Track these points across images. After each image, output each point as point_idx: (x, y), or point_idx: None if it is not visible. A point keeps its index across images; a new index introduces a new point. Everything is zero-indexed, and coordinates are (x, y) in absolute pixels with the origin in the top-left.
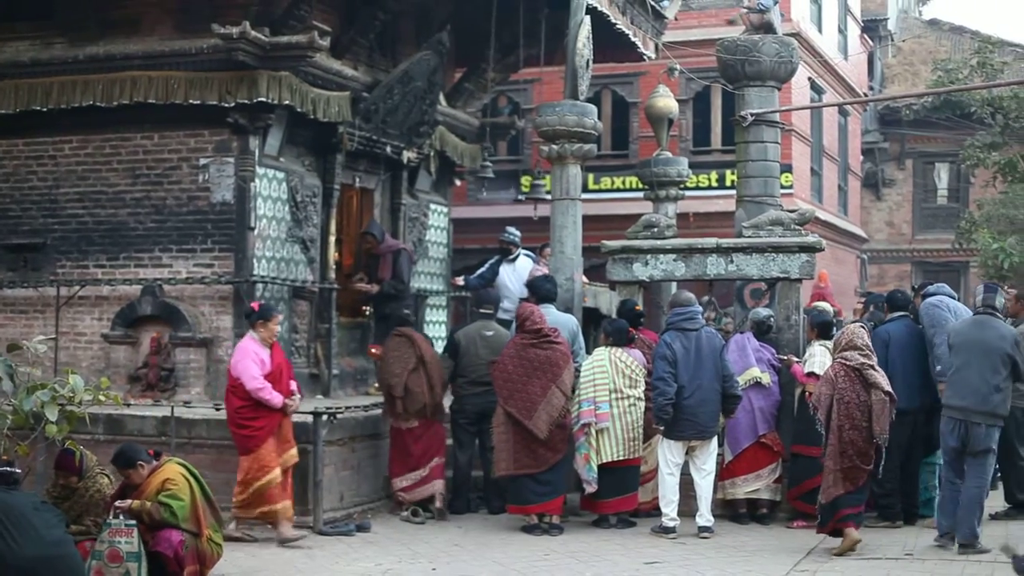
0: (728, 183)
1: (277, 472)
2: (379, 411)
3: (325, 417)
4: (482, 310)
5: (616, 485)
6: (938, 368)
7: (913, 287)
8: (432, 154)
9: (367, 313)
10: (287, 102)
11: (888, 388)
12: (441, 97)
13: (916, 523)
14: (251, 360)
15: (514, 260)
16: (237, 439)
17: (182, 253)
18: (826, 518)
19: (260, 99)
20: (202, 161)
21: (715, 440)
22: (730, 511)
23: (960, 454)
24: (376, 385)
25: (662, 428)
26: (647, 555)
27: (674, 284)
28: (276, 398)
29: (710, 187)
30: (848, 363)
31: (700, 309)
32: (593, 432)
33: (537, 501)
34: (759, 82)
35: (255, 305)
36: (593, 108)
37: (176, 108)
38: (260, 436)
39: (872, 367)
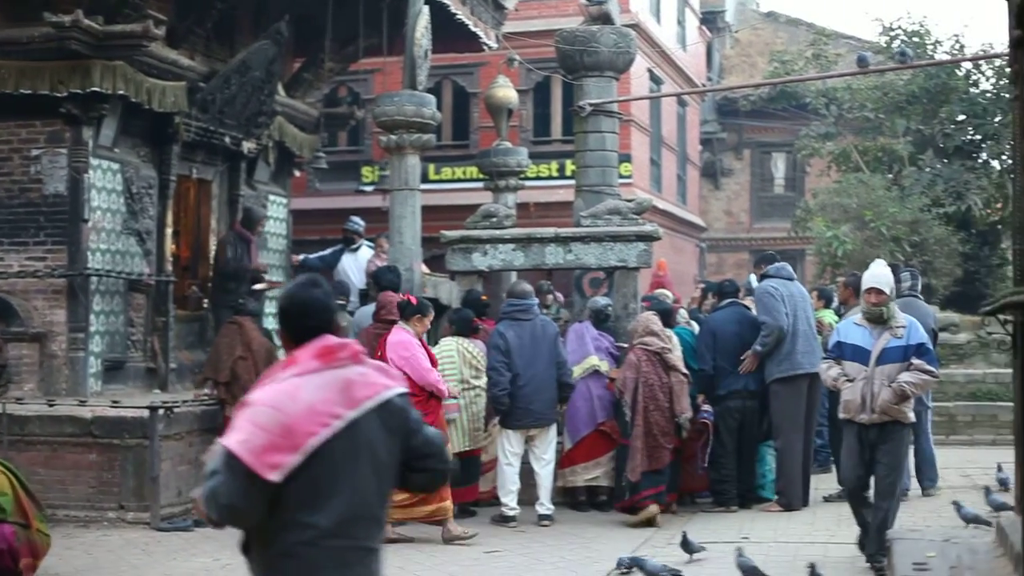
0: (568, 173)
1: None
2: (217, 405)
3: (162, 412)
4: (336, 301)
5: (465, 474)
6: (758, 348)
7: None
8: (271, 145)
9: (205, 306)
10: (121, 92)
11: (685, 370)
12: (280, 87)
13: (752, 507)
14: (420, 352)
15: (356, 250)
16: None
17: (14, 246)
18: (629, 495)
19: (94, 89)
20: (34, 152)
21: (554, 429)
22: (570, 499)
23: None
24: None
25: (497, 418)
26: (487, 544)
27: (514, 274)
28: (446, 389)
29: (550, 177)
30: (649, 348)
31: (535, 301)
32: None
33: None
34: (597, 72)
35: (412, 299)
36: (432, 98)
37: (7, 98)
38: None
39: (670, 350)
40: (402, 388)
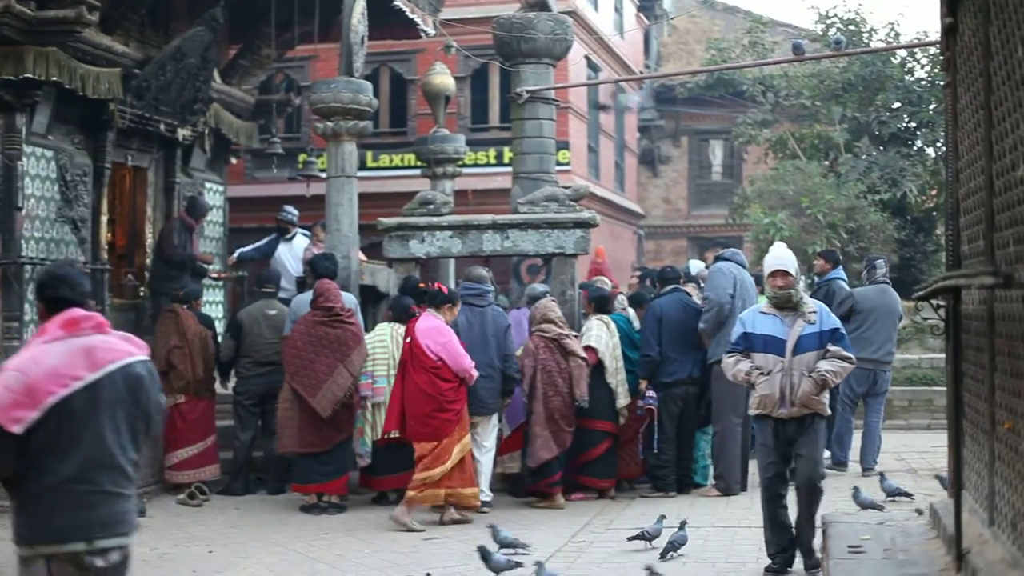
0: (506, 160)
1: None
2: None
3: None
4: (264, 289)
5: (394, 462)
6: (702, 326)
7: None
8: (207, 132)
9: (141, 294)
10: (55, 78)
11: (584, 354)
12: (215, 74)
13: (690, 492)
14: (455, 339)
15: (291, 239)
16: (434, 424)
17: None
18: (534, 481)
19: (26, 75)
20: None
21: (495, 418)
22: (509, 485)
23: (859, 398)
24: None
25: None
26: (427, 531)
27: (452, 261)
28: (475, 375)
29: (488, 164)
30: (546, 335)
31: (491, 288)
32: (369, 406)
33: (319, 481)
34: (534, 59)
35: (444, 288)
36: (368, 85)
37: None
38: (456, 420)
39: (567, 336)
40: (144, 356)
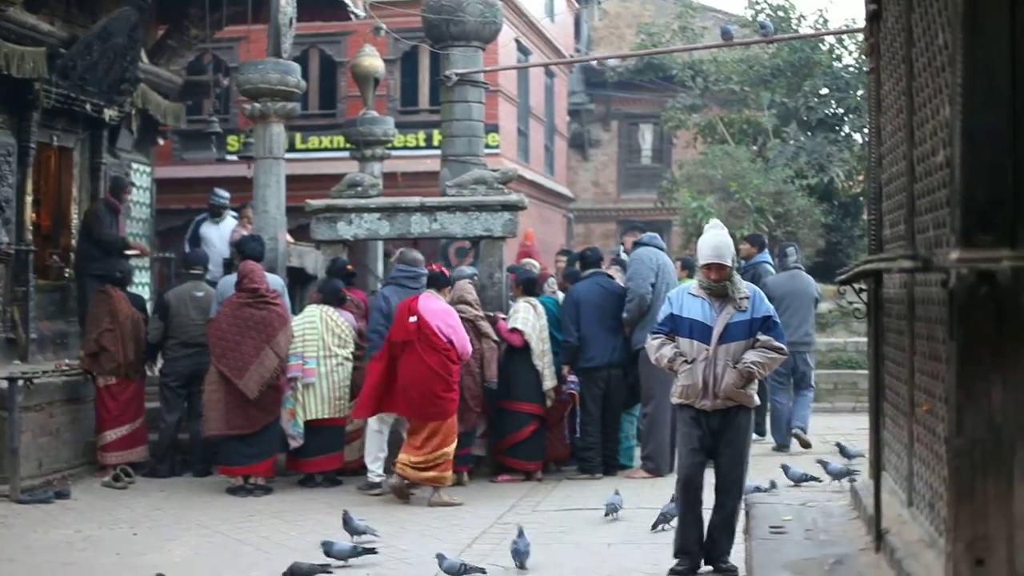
0: (436, 143)
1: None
2: (80, 376)
3: (21, 382)
4: (191, 271)
5: (322, 443)
6: (625, 316)
7: (635, 228)
8: (134, 112)
9: (67, 275)
10: None
11: (496, 337)
12: (143, 54)
13: (616, 474)
14: (461, 323)
15: (220, 221)
16: (442, 404)
17: None
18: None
19: None
20: None
21: None
22: None
23: (789, 379)
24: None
25: None
26: (354, 512)
27: (380, 243)
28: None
29: (418, 147)
30: (463, 315)
31: (425, 271)
32: (299, 387)
33: (246, 463)
34: (464, 42)
35: (445, 271)
36: (296, 66)
37: None
38: (457, 400)
39: (482, 318)
40: None
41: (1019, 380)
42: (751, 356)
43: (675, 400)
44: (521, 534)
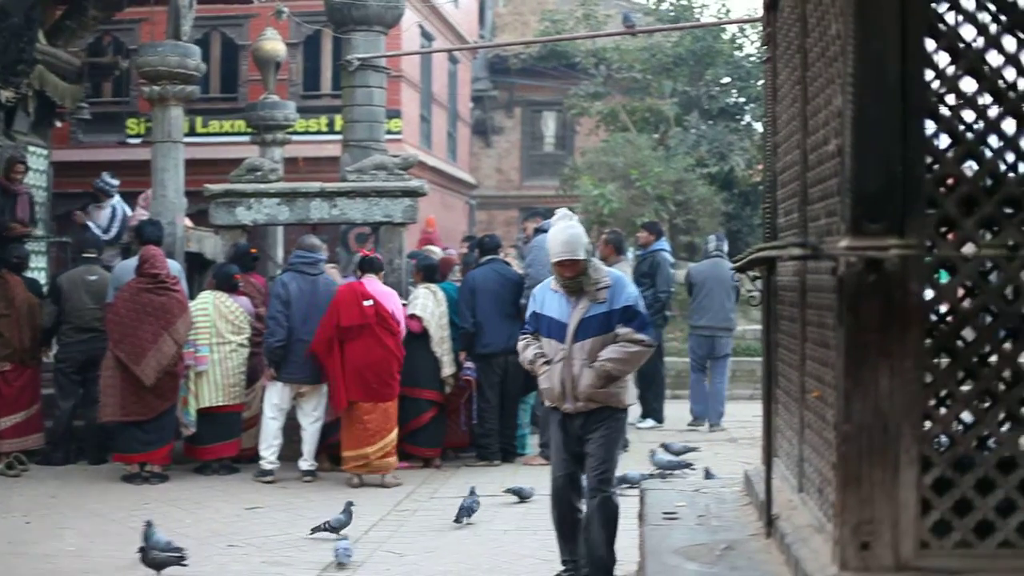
0: (338, 128)
1: None
2: None
3: None
4: (85, 254)
5: (217, 431)
6: (523, 303)
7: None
8: (30, 94)
9: None
10: None
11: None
12: (40, 35)
13: (514, 461)
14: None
15: (104, 206)
16: (393, 385)
17: None
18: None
19: None
20: None
21: (324, 387)
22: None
23: (706, 360)
24: None
25: (272, 370)
26: (248, 500)
27: (280, 229)
28: None
29: (320, 132)
30: None
31: (324, 256)
32: (192, 375)
33: (142, 450)
34: (366, 27)
35: (379, 256)
36: (196, 49)
37: None
38: None
39: None
40: None
41: (906, 367)
42: (607, 353)
43: (545, 402)
44: (473, 492)
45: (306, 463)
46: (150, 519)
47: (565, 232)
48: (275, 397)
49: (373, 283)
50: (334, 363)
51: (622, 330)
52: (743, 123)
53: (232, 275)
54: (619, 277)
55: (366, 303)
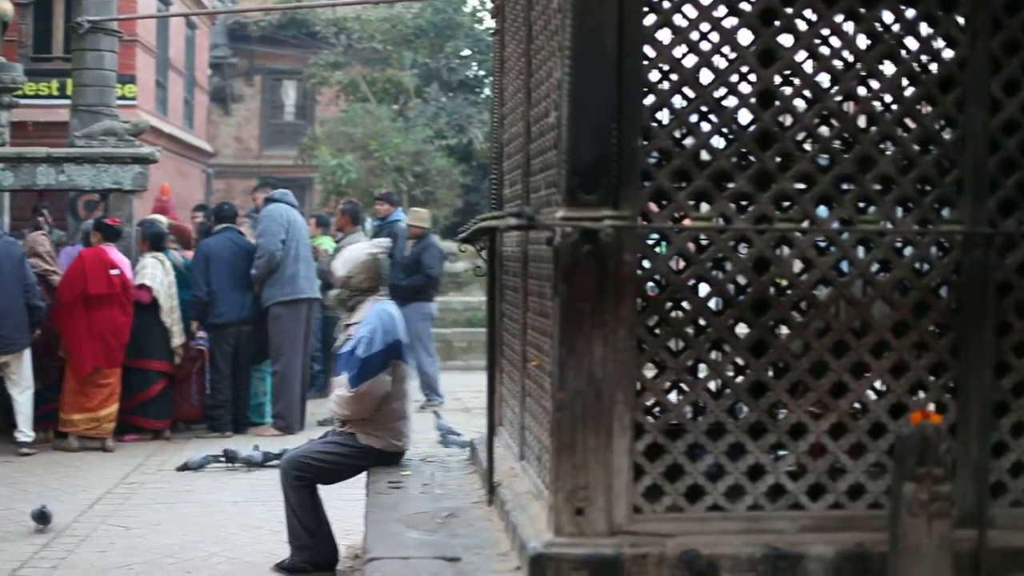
0: (69, 92)
1: None
2: None
3: None
4: None
5: None
6: (254, 272)
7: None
8: None
9: None
10: None
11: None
12: None
13: (247, 432)
14: None
15: None
16: (122, 350)
17: None
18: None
19: None
20: None
21: (27, 353)
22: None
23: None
24: None
25: None
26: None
27: (5, 195)
28: None
29: (50, 96)
30: (33, 269)
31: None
32: None
33: None
34: None
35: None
36: None
37: None
38: None
39: (55, 272)
40: None
41: (619, 336)
42: (332, 395)
43: None
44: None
45: (23, 435)
46: None
47: (346, 251)
48: None
49: (114, 252)
50: (79, 328)
51: (338, 378)
52: (482, 96)
53: None
54: (376, 312)
55: (112, 272)
